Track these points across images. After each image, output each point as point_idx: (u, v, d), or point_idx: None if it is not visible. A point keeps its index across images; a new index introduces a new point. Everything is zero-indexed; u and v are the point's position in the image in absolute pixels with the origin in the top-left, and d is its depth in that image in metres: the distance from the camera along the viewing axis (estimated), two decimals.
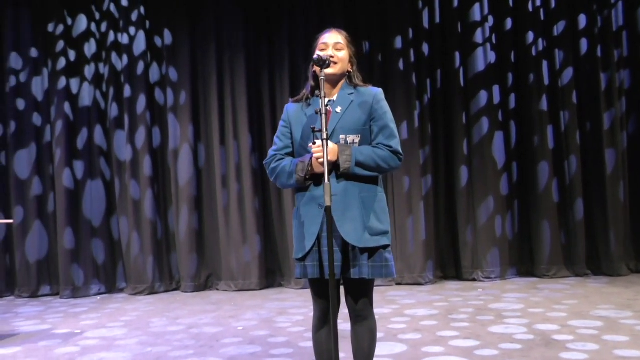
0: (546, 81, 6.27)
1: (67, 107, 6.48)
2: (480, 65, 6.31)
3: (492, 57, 6.34)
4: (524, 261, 6.35)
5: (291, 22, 6.49)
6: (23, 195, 6.47)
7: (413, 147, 6.17)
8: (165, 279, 6.37)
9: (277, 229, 6.36)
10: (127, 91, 6.43)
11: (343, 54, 2.20)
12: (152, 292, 6.20)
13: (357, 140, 2.15)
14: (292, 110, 2.27)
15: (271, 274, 6.36)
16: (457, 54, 6.35)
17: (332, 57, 2.15)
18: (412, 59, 6.29)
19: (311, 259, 2.11)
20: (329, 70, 2.15)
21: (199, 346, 3.60)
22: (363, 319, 2.20)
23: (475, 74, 6.31)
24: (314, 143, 2.02)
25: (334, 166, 2.07)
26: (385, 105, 2.23)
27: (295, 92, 6.38)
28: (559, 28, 6.32)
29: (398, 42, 6.34)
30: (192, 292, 6.18)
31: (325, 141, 1.87)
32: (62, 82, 6.49)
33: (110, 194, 6.56)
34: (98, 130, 6.58)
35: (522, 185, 6.37)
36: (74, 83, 6.58)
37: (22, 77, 6.63)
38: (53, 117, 6.50)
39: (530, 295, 4.99)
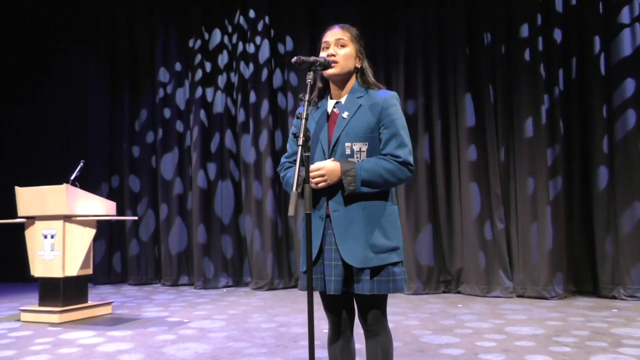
0: None
1: (202, 114, 7.12)
2: (627, 50, 5.46)
3: None
4: None
5: (408, 17, 6.30)
6: (167, 194, 7.28)
7: (539, 146, 5.58)
8: (284, 276, 6.64)
9: None
10: (252, 97, 6.85)
11: (346, 51, 2.05)
12: (271, 287, 6.51)
13: (364, 148, 1.99)
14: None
15: None
16: (597, 39, 5.58)
17: (333, 55, 2.03)
18: (541, 47, 5.69)
19: (315, 272, 2.03)
20: (330, 71, 2.04)
21: (275, 345, 3.69)
22: (374, 334, 2.05)
23: (620, 60, 5.48)
24: (300, 149, 1.86)
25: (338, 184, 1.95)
26: (397, 111, 2.03)
27: (410, 89, 6.25)
28: None
29: (524, 31, 5.77)
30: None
31: (300, 148, 1.76)
32: (199, 91, 7.16)
33: (238, 194, 7.05)
34: (228, 135, 7.12)
35: None
36: (209, 92, 7.21)
37: (169, 89, 7.46)
38: (191, 124, 7.19)
39: None
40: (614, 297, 5.26)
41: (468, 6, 6.07)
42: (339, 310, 2.12)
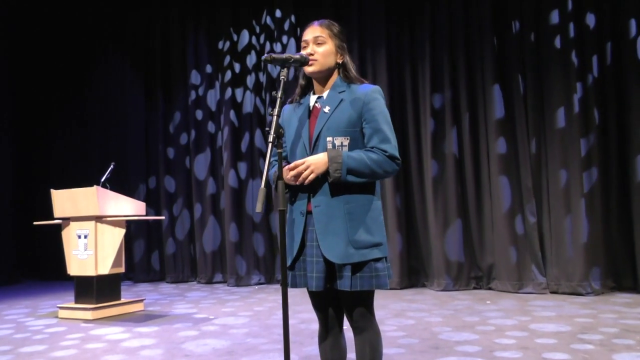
0: None
1: (232, 114, 7.24)
2: None
3: None
4: None
5: (433, 9, 6.20)
6: (201, 193, 7.44)
7: (572, 137, 5.38)
8: None
9: (420, 226, 6.15)
10: None
11: (324, 48, 2.05)
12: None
13: (345, 142, 1.98)
14: (286, 112, 2.22)
15: (414, 274, 6.17)
16: (633, 22, 5.33)
17: (311, 54, 2.04)
18: (572, 34, 5.47)
19: (298, 268, 2.04)
20: (310, 69, 2.05)
21: (291, 342, 3.71)
22: (361, 330, 2.03)
23: None
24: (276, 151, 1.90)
25: (323, 175, 1.95)
26: (379, 105, 2.00)
27: (436, 83, 6.14)
28: None
29: (554, 17, 5.57)
30: None
31: (270, 145, 1.79)
32: (228, 92, 7.28)
33: (268, 193, 7.10)
34: (258, 134, 7.21)
35: None
36: (239, 92, 7.32)
37: (200, 91, 7.62)
38: (222, 124, 7.32)
39: None
40: None
41: None
42: (326, 307, 2.11)
